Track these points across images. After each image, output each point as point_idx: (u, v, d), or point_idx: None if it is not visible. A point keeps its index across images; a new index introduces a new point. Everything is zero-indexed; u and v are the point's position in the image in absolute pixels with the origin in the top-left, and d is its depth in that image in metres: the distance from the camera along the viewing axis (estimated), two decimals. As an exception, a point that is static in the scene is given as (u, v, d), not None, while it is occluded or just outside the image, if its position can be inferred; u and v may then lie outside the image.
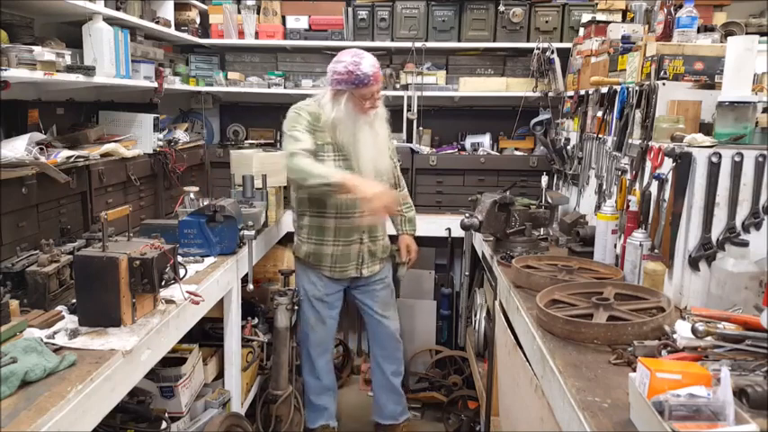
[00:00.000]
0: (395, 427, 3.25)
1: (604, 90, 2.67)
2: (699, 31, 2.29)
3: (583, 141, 2.97)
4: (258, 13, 3.78)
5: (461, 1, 3.70)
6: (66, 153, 2.30)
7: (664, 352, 1.45)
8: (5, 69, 1.95)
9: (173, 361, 2.47)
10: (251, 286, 2.77)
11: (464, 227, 2.62)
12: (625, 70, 2.54)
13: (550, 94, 3.62)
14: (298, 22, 3.78)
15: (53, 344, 1.58)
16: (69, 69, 2.31)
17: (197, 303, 2.04)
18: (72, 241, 2.24)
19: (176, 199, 2.97)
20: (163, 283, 1.82)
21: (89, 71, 2.39)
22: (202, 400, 2.65)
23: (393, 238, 3.11)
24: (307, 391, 3.14)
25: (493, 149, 3.90)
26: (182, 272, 1.95)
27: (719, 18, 3.17)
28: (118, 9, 2.69)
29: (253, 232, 2.69)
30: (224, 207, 2.53)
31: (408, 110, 3.81)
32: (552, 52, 3.54)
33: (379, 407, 3.24)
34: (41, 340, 1.55)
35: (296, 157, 2.64)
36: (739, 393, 1.19)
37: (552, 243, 2.77)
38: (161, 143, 3.11)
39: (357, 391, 3.86)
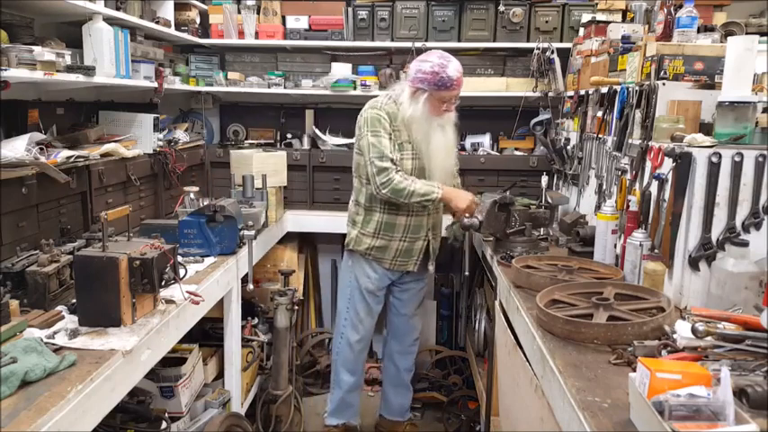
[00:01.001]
0: (399, 424, 3.27)
1: (604, 90, 2.67)
2: (699, 31, 2.29)
3: (583, 141, 2.97)
4: (258, 13, 3.78)
5: (461, 1, 3.70)
6: (66, 153, 2.30)
7: (664, 352, 1.45)
8: (5, 69, 1.95)
9: (173, 361, 2.47)
10: (251, 286, 2.77)
11: (464, 227, 2.63)
12: (625, 70, 2.53)
13: (550, 94, 3.61)
14: (298, 22, 3.78)
15: (53, 344, 1.59)
16: (69, 69, 2.31)
17: (197, 303, 2.04)
18: (72, 241, 2.24)
19: (176, 199, 2.98)
20: (163, 283, 1.83)
21: (89, 71, 2.39)
22: (202, 400, 2.65)
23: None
24: (339, 387, 3.14)
25: (493, 149, 3.90)
26: (182, 272, 1.95)
27: (719, 18, 3.16)
28: (118, 9, 2.69)
29: (253, 232, 2.70)
30: (224, 207, 2.53)
31: (408, 110, 3.81)
32: (552, 52, 3.54)
33: (387, 402, 3.31)
34: (41, 340, 1.55)
35: (390, 173, 2.65)
36: (739, 393, 1.19)
37: (552, 243, 2.77)
38: (161, 143, 3.11)
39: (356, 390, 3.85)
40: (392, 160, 2.66)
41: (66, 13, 2.48)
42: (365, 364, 3.24)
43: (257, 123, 4.15)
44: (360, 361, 3.14)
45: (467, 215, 2.66)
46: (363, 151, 2.73)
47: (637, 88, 2.29)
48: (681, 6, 2.30)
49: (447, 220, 3.08)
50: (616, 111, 2.47)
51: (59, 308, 1.84)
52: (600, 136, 2.71)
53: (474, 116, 4.10)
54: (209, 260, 2.49)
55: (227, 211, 2.54)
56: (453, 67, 2.61)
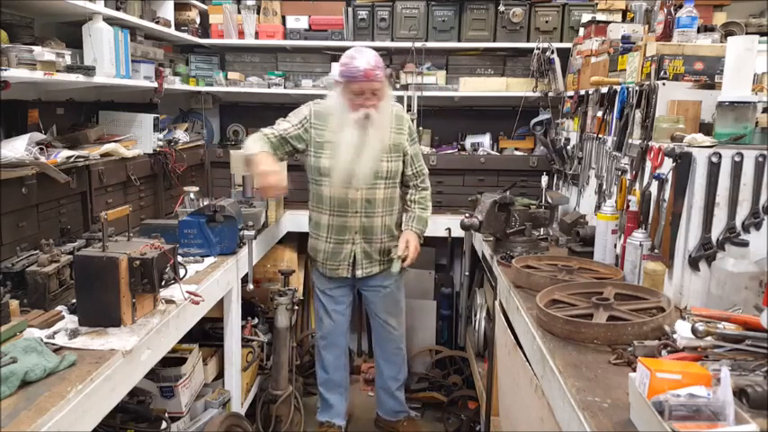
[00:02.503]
0: (395, 423, 3.27)
1: (604, 90, 2.67)
2: (699, 31, 2.29)
3: (583, 141, 2.97)
4: (258, 13, 3.78)
5: (461, 1, 3.70)
6: (66, 153, 2.30)
7: (664, 352, 1.45)
8: (5, 69, 1.95)
9: (173, 361, 2.47)
10: (251, 286, 2.77)
11: (464, 227, 2.63)
12: (625, 70, 2.54)
13: (550, 94, 3.62)
14: (298, 22, 3.78)
15: (53, 344, 1.59)
16: (69, 69, 2.31)
17: (197, 303, 2.04)
18: (72, 241, 2.24)
19: (176, 199, 2.98)
20: (163, 283, 1.83)
21: (89, 71, 2.39)
22: (202, 400, 2.65)
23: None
24: (318, 383, 3.17)
25: (493, 149, 3.90)
26: (182, 272, 1.95)
27: (719, 18, 3.16)
28: (118, 9, 2.69)
29: (253, 232, 2.70)
30: (224, 207, 2.53)
31: (408, 110, 3.81)
32: (552, 52, 3.54)
33: (380, 402, 3.31)
34: (41, 340, 1.55)
35: (251, 136, 2.74)
36: (739, 393, 1.19)
37: (552, 243, 2.77)
38: (161, 143, 3.11)
39: (358, 391, 3.85)
40: (272, 131, 2.73)
41: (66, 13, 2.48)
42: (339, 363, 3.13)
43: (257, 123, 4.10)
44: (328, 359, 3.09)
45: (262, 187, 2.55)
46: None
47: (637, 88, 2.29)
48: (681, 6, 2.30)
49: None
50: (616, 111, 2.47)
51: (59, 308, 1.84)
52: (600, 136, 2.71)
53: (474, 116, 4.11)
54: (209, 260, 2.49)
55: (227, 211, 2.54)
56: (364, 59, 2.57)
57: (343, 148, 2.67)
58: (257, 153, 2.55)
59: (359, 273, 2.89)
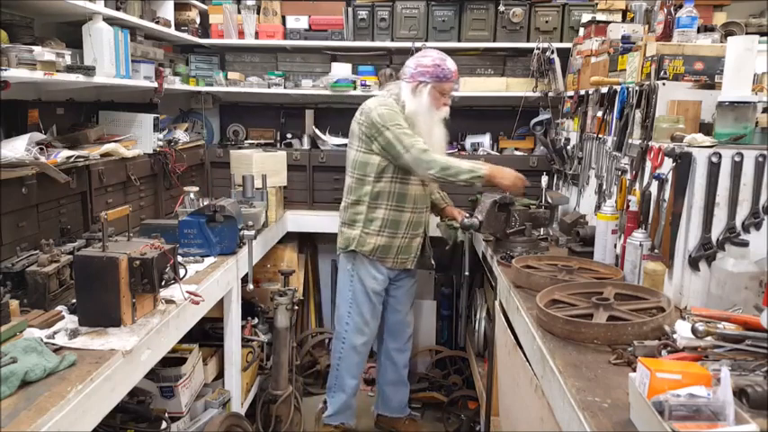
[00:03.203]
0: (397, 420, 3.28)
1: (604, 90, 2.67)
2: (699, 31, 2.29)
3: (583, 141, 2.97)
4: (258, 13, 3.78)
5: (461, 1, 3.70)
6: (66, 153, 2.30)
7: (664, 352, 1.45)
8: (5, 69, 1.94)
9: (173, 361, 2.47)
10: (251, 286, 2.77)
11: (464, 227, 2.63)
12: (625, 70, 2.53)
13: (550, 94, 3.61)
14: (298, 22, 3.78)
15: (53, 344, 1.59)
16: (69, 69, 2.31)
17: (197, 303, 2.04)
18: (72, 241, 2.24)
19: (176, 199, 2.98)
20: (163, 283, 1.83)
21: (89, 71, 2.39)
22: (202, 400, 2.65)
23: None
24: (343, 390, 3.15)
25: (493, 149, 3.90)
26: (182, 272, 1.95)
27: (719, 18, 3.16)
28: (118, 9, 2.69)
29: (253, 232, 2.69)
30: (224, 207, 2.53)
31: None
32: (552, 52, 3.54)
33: (385, 400, 3.32)
34: (41, 340, 1.55)
35: (432, 154, 2.70)
36: (739, 393, 1.19)
37: (552, 243, 2.77)
38: (161, 143, 3.11)
39: (357, 391, 3.85)
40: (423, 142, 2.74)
41: (66, 13, 2.48)
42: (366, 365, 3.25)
43: (257, 123, 4.15)
44: (363, 364, 3.17)
45: (509, 194, 2.66)
46: (392, 144, 2.71)
47: (637, 88, 2.29)
48: (681, 6, 2.30)
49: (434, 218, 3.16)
50: (616, 111, 2.47)
51: (59, 308, 1.84)
52: (600, 136, 2.71)
53: (474, 116, 4.11)
54: (209, 260, 2.49)
55: (227, 211, 2.54)
56: (451, 61, 2.80)
57: (438, 144, 2.83)
58: (486, 165, 2.70)
59: (432, 261, 3.12)
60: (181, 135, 3.43)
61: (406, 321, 3.23)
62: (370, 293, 2.98)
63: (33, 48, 2.14)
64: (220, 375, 2.85)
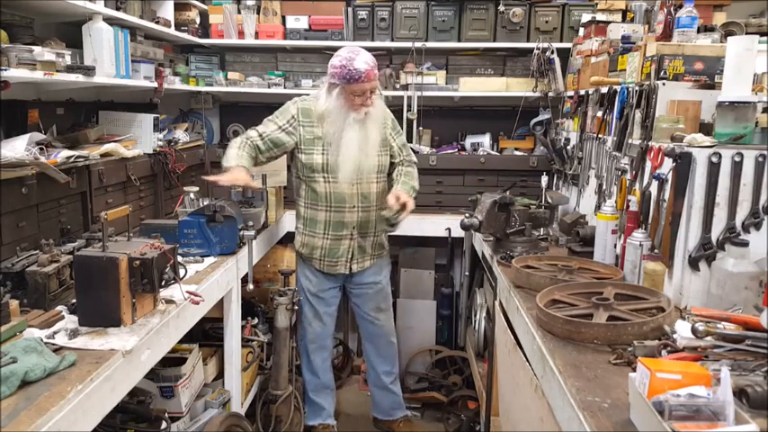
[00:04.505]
0: (392, 422, 3.27)
1: (604, 90, 2.67)
2: (699, 31, 2.29)
3: (583, 141, 2.97)
4: (258, 13, 3.78)
5: (461, 1, 3.70)
6: (66, 153, 2.30)
7: (664, 352, 1.45)
8: (5, 69, 1.94)
9: (173, 361, 2.47)
10: (251, 286, 2.77)
11: (464, 227, 2.62)
12: (625, 70, 2.54)
13: (550, 94, 3.62)
14: (298, 22, 3.78)
15: (53, 344, 1.59)
16: (69, 69, 2.31)
17: (197, 303, 2.04)
18: (72, 241, 2.24)
19: (176, 199, 2.97)
20: (163, 283, 1.82)
21: (89, 71, 2.39)
22: (202, 400, 2.65)
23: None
24: (306, 387, 3.17)
25: (493, 149, 3.90)
26: (182, 272, 1.95)
27: (719, 18, 3.16)
28: (118, 9, 2.69)
29: (253, 232, 2.69)
30: (224, 207, 2.53)
31: (408, 110, 3.81)
32: (552, 52, 3.54)
33: (375, 403, 3.31)
34: (41, 340, 1.55)
35: (236, 140, 2.79)
36: (739, 393, 1.19)
37: (552, 243, 2.77)
38: (161, 143, 3.11)
39: (357, 391, 3.86)
40: (258, 134, 2.79)
41: (66, 13, 2.48)
42: (327, 365, 3.17)
43: (257, 123, 4.11)
44: (317, 362, 3.10)
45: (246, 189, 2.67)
46: None
47: (637, 88, 2.29)
48: (681, 6, 2.30)
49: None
50: (616, 111, 2.47)
51: (59, 308, 1.84)
52: (600, 136, 2.71)
53: (474, 116, 4.11)
54: (209, 260, 2.49)
55: (227, 211, 2.54)
56: (362, 60, 2.61)
57: (346, 144, 2.71)
58: (234, 167, 2.61)
59: (354, 267, 2.93)
60: (181, 135, 3.43)
61: (376, 326, 3.10)
62: (307, 294, 3.01)
63: (33, 48, 2.14)
64: (220, 375, 2.85)
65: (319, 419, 3.16)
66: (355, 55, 2.62)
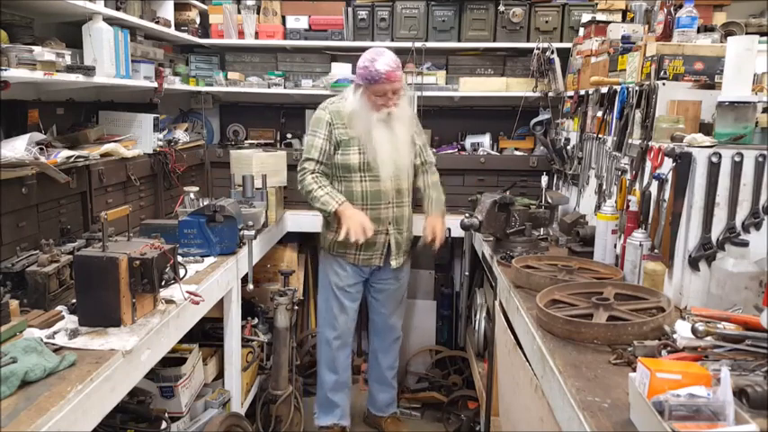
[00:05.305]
0: (381, 419, 3.30)
1: (604, 90, 2.67)
2: (699, 31, 2.28)
3: (583, 141, 2.97)
4: (258, 13, 3.78)
5: (461, 1, 3.70)
6: (66, 153, 2.30)
7: (664, 352, 1.45)
8: (5, 69, 1.94)
9: (173, 361, 2.47)
10: (251, 286, 2.77)
11: (464, 227, 2.62)
12: (625, 70, 2.53)
13: (550, 94, 3.61)
14: (298, 22, 3.78)
15: (53, 344, 1.59)
16: (69, 69, 2.31)
17: (197, 303, 2.04)
18: (72, 241, 2.24)
19: (176, 199, 2.98)
20: (163, 283, 1.82)
21: (89, 71, 2.39)
22: (202, 400, 2.65)
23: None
24: (321, 386, 3.18)
25: (493, 149, 3.90)
26: (182, 272, 1.95)
27: (719, 18, 3.16)
28: (118, 9, 2.69)
29: (253, 232, 2.70)
30: (224, 207, 2.53)
31: (408, 110, 3.81)
32: (552, 52, 3.54)
33: (372, 397, 3.37)
34: (41, 340, 1.55)
35: (305, 174, 2.87)
36: (739, 393, 1.18)
37: (552, 243, 2.77)
38: (161, 143, 3.11)
39: (357, 391, 3.86)
40: (316, 161, 2.85)
41: (66, 13, 2.48)
42: (348, 362, 3.23)
43: (257, 123, 4.15)
44: (340, 359, 3.14)
45: (354, 233, 2.72)
46: (305, 148, 2.92)
47: (637, 88, 2.29)
48: (681, 6, 2.30)
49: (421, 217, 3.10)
50: (616, 111, 2.47)
51: (59, 308, 1.84)
52: (600, 136, 2.71)
53: (474, 116, 4.11)
54: (209, 260, 2.49)
55: (227, 211, 2.54)
56: (383, 62, 2.67)
57: (379, 143, 2.79)
58: (341, 205, 2.78)
59: (393, 263, 3.03)
60: (181, 135, 3.43)
61: (389, 324, 3.23)
62: (334, 289, 3.05)
63: (33, 48, 2.14)
64: (220, 375, 2.85)
65: (333, 419, 3.18)
66: (378, 56, 2.69)
